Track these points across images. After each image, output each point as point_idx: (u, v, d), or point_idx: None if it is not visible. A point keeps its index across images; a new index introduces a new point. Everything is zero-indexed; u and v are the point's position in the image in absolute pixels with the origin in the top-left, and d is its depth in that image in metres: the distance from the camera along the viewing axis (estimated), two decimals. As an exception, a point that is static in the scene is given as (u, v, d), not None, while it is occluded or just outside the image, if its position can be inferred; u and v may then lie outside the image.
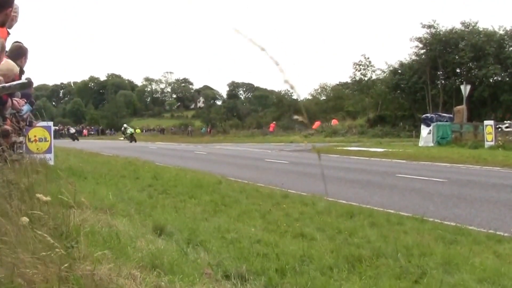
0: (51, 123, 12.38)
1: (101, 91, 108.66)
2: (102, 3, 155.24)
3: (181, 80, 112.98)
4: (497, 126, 22.70)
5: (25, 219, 2.69)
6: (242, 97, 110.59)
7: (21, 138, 7.09)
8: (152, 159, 16.75)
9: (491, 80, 42.07)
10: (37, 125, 10.20)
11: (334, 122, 50.73)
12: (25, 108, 5.92)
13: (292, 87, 1.33)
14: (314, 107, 64.83)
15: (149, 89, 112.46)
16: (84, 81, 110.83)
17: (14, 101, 4.55)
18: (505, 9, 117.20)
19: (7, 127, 4.58)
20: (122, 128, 47.31)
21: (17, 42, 5.33)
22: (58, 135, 50.41)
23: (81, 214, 3.45)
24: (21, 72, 4.74)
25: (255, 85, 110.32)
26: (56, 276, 2.46)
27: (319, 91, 73.92)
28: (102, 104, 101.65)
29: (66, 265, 2.54)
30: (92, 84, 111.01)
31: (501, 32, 42.94)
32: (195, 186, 8.94)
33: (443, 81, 45.10)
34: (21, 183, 3.23)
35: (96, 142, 42.55)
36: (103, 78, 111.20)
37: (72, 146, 25.19)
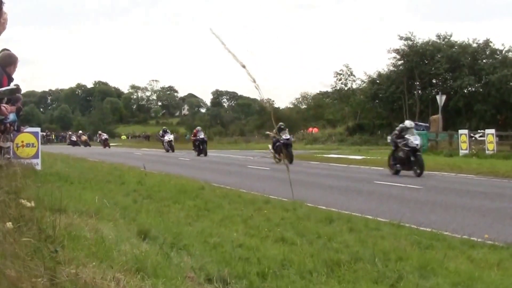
0: (38, 129, 12.40)
1: (88, 98, 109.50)
2: (91, 11, 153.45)
3: (166, 88, 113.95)
4: (471, 135, 23.28)
5: (10, 224, 2.71)
6: (226, 105, 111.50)
7: (9, 144, 7.07)
8: (137, 165, 16.67)
9: (465, 91, 43.25)
10: (25, 130, 10.22)
11: (315, 130, 51.40)
12: (11, 116, 5.91)
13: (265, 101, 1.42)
14: (295, 115, 65.61)
15: (135, 97, 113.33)
16: (72, 88, 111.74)
17: (2, 107, 4.53)
18: (479, 24, 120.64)
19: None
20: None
21: (6, 50, 5.33)
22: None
23: (66, 218, 3.46)
24: (10, 79, 4.73)
25: (239, 93, 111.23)
26: (40, 280, 2.48)
27: (300, 100, 74.81)
28: (89, 111, 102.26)
29: (50, 268, 2.57)
30: (79, 91, 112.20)
31: (475, 45, 44.29)
32: (179, 191, 8.98)
33: (419, 91, 46.11)
34: (7, 187, 3.23)
35: (81, 148, 41.92)
36: (90, 85, 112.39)
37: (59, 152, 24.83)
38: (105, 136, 46.93)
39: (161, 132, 33.85)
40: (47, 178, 8.28)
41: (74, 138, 50.44)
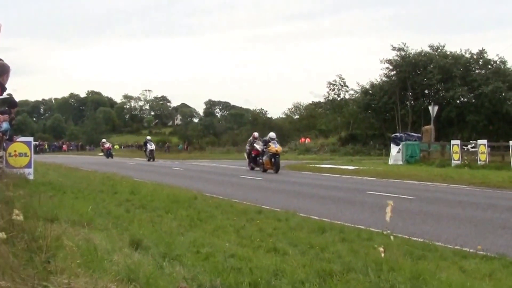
0: (31, 139, 12.39)
1: (81, 107, 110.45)
2: (84, 22, 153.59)
3: (159, 98, 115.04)
4: (463, 146, 23.44)
5: (2, 234, 2.69)
6: (219, 115, 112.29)
7: (1, 153, 7.05)
8: (130, 174, 16.64)
9: (458, 101, 43.69)
10: (18, 140, 10.20)
11: (308, 140, 51.60)
12: (4, 125, 5.92)
13: None
14: (288, 125, 65.96)
15: (128, 106, 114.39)
16: (65, 98, 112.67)
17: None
18: (471, 34, 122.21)
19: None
20: None
21: None
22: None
23: (59, 228, 3.45)
24: (3, 89, 4.74)
25: (231, 103, 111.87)
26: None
27: (292, 110, 75.15)
28: (82, 121, 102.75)
29: (43, 278, 2.56)
30: (72, 100, 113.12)
31: (467, 55, 44.82)
32: (171, 201, 8.98)
33: (412, 102, 46.47)
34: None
35: (76, 157, 41.67)
36: (83, 95, 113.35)
37: (51, 161, 24.69)
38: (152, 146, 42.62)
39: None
40: (40, 188, 8.26)
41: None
